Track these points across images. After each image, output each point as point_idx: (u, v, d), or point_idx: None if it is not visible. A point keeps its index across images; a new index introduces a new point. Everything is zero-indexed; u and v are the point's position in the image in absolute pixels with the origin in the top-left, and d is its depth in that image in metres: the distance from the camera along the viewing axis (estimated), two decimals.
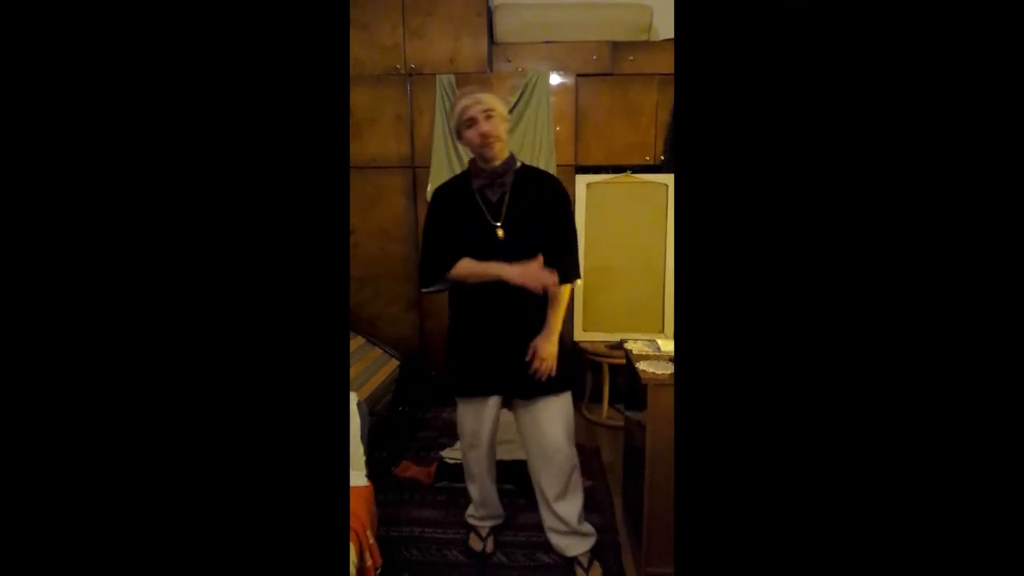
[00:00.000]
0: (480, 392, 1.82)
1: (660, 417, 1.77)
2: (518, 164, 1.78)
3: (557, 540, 1.88)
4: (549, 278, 1.63)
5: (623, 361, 2.40)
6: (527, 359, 1.72)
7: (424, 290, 1.84)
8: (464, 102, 1.68)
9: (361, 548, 1.57)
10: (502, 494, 2.13)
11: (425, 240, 1.81)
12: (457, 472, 2.44)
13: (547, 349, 1.72)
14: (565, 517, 1.83)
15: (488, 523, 2.06)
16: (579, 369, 3.20)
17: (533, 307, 1.73)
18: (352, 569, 1.50)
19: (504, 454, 2.40)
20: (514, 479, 2.35)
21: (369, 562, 1.60)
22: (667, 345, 2.06)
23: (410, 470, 2.54)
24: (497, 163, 1.72)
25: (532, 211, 1.74)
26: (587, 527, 1.89)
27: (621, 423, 2.80)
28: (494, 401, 1.83)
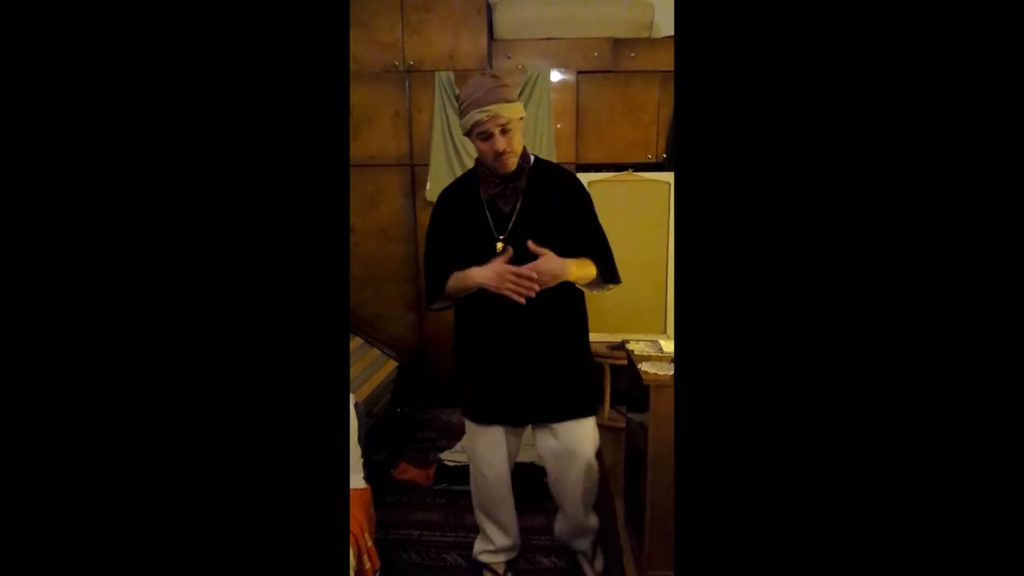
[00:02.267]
0: (501, 421, 1.67)
1: (662, 419, 1.75)
2: (531, 160, 1.59)
3: (567, 540, 1.92)
4: (533, 281, 1.43)
5: (625, 362, 2.39)
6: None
7: (429, 307, 1.69)
8: (478, 116, 1.44)
9: (359, 551, 1.56)
10: None
11: (426, 254, 1.67)
12: (457, 474, 2.43)
13: (548, 265, 1.46)
14: (577, 523, 1.84)
15: (503, 557, 1.87)
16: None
17: (552, 317, 1.57)
18: (351, 572, 1.49)
19: None
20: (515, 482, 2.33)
21: (367, 565, 1.59)
22: (669, 346, 2.04)
23: (409, 472, 2.52)
24: (510, 170, 1.53)
25: (546, 218, 1.55)
26: (592, 520, 1.86)
27: (623, 425, 2.79)
28: (516, 431, 1.72)
